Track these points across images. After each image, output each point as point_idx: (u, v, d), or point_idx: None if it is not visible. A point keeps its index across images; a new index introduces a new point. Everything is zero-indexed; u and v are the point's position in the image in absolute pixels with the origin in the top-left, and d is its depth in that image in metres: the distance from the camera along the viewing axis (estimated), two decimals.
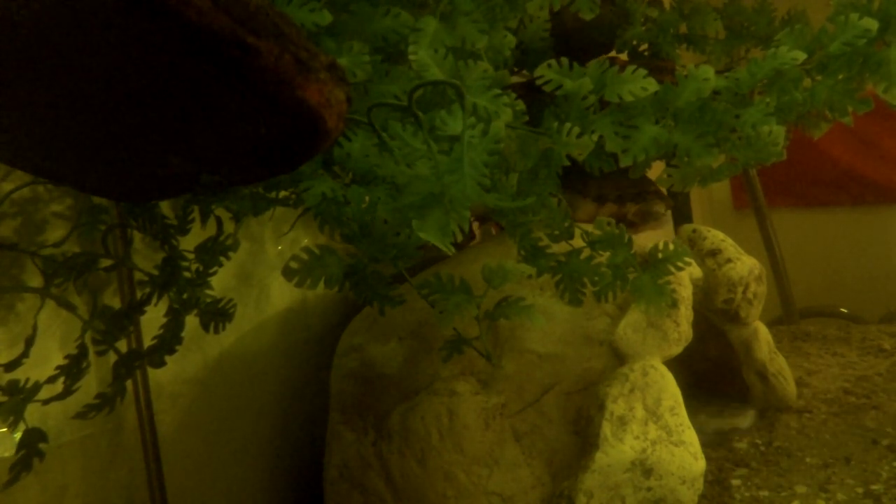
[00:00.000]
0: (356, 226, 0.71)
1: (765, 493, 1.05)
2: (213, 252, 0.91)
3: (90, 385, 0.91)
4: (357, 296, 0.80)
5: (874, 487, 1.03)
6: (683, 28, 1.20)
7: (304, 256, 0.73)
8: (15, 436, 0.81)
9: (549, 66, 0.78)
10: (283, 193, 0.90)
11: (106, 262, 0.91)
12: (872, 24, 0.81)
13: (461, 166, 0.55)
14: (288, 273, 0.72)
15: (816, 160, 2.07)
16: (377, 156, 0.64)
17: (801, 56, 0.79)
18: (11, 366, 0.80)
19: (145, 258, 0.98)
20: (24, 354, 0.80)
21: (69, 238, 0.88)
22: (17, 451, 0.78)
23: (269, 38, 0.40)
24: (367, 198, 0.65)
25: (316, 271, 0.72)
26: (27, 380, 0.79)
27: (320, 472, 1.10)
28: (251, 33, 0.39)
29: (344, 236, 0.73)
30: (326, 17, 0.61)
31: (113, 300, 0.97)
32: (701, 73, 0.78)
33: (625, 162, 0.78)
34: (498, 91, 0.67)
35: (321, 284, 0.73)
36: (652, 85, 0.76)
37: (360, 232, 0.72)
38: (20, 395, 0.78)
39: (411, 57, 0.67)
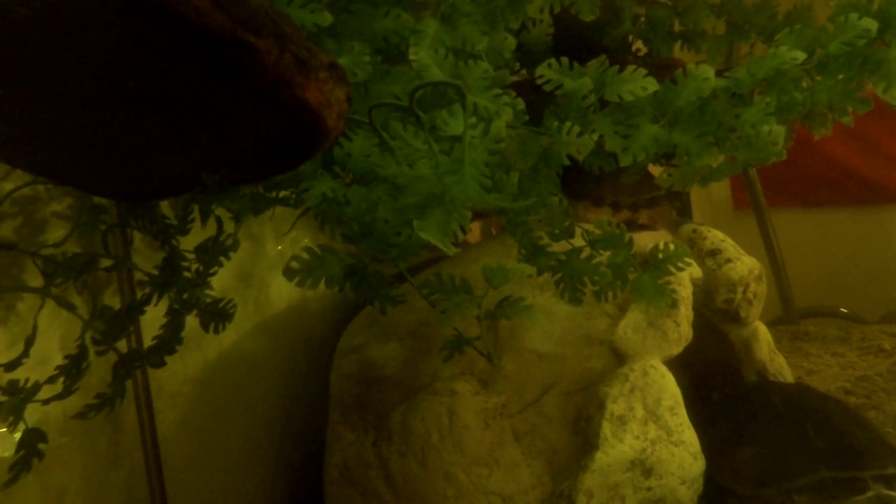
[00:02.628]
0: (356, 226, 0.71)
1: None
2: (213, 252, 0.92)
3: (91, 385, 0.91)
4: (358, 296, 0.80)
5: None
6: (678, 25, 1.19)
7: (305, 256, 0.73)
8: (14, 436, 0.81)
9: (549, 65, 0.78)
10: (283, 193, 0.90)
11: (106, 262, 0.91)
12: (872, 24, 0.81)
13: (462, 166, 0.55)
14: (289, 273, 0.72)
15: (816, 160, 2.07)
16: (378, 156, 0.64)
17: (801, 56, 0.79)
18: (11, 366, 0.80)
19: (145, 258, 0.98)
20: (24, 354, 0.80)
21: (69, 238, 0.88)
22: (17, 451, 0.78)
23: (269, 38, 0.40)
24: (368, 197, 0.65)
25: (316, 271, 0.72)
26: (27, 380, 0.79)
27: (320, 472, 1.10)
28: (251, 32, 0.39)
29: (344, 236, 0.73)
30: (327, 18, 0.61)
31: (113, 300, 0.97)
32: (701, 73, 0.78)
33: (625, 161, 0.77)
34: (498, 91, 0.67)
35: (322, 284, 0.73)
36: (652, 85, 0.75)
37: (361, 232, 0.72)
38: (20, 395, 0.78)
39: (412, 57, 0.67)
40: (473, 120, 0.59)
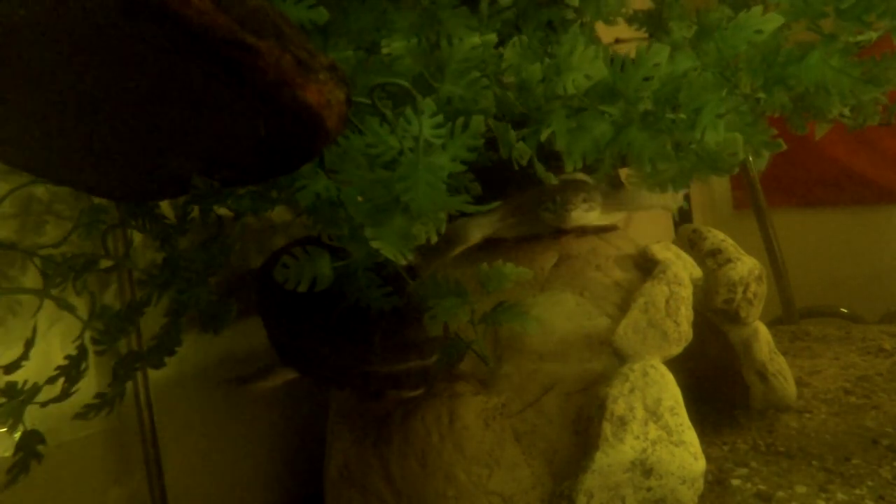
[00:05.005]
0: (347, 227, 0.70)
1: (765, 493, 1.05)
2: (213, 252, 0.91)
3: (91, 385, 0.91)
4: (349, 297, 0.79)
5: (874, 487, 1.03)
6: None
7: (296, 256, 0.72)
8: (14, 436, 0.80)
9: (514, 45, 0.67)
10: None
11: (106, 263, 0.91)
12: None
13: (416, 171, 0.52)
14: (279, 272, 0.71)
15: (816, 160, 2.07)
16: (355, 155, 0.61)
17: (779, 20, 0.65)
18: (11, 368, 0.80)
19: (145, 258, 0.98)
20: (24, 356, 0.80)
21: (69, 238, 0.87)
22: (15, 453, 0.77)
23: (270, 38, 0.40)
24: (359, 198, 0.63)
25: (306, 271, 0.71)
26: (25, 382, 0.79)
27: (320, 472, 1.10)
28: (251, 33, 0.39)
29: (336, 238, 0.72)
30: (324, 15, 0.60)
31: (113, 300, 0.97)
32: (653, 55, 0.64)
33: (569, 165, 0.67)
34: (477, 75, 0.63)
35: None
36: (599, 71, 0.64)
37: (350, 234, 0.70)
38: (19, 398, 0.78)
39: (384, 50, 0.64)
40: (440, 119, 0.56)
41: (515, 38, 0.67)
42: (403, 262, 0.53)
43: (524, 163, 0.66)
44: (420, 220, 0.52)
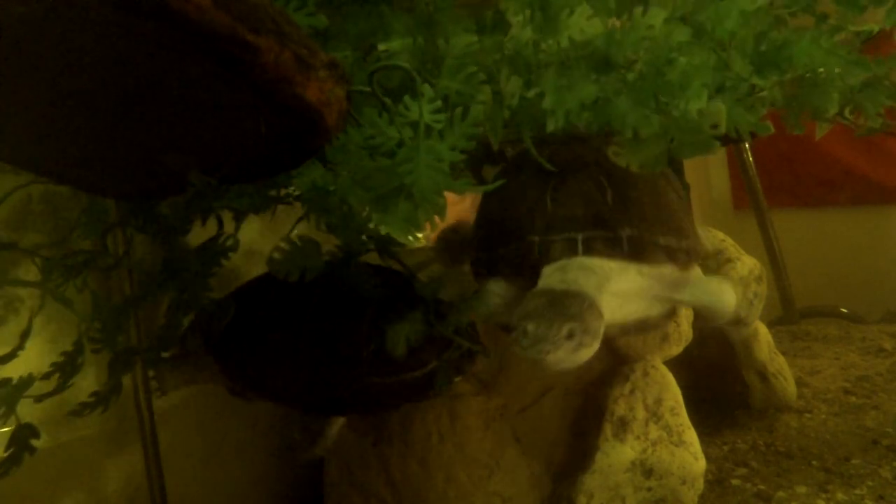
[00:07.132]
0: (339, 216, 0.69)
1: (765, 492, 1.05)
2: (212, 252, 0.91)
3: (91, 385, 0.90)
4: (343, 287, 0.79)
5: (874, 487, 1.03)
6: None
7: (287, 247, 0.72)
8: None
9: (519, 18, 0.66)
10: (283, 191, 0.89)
11: (106, 261, 0.91)
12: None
13: (417, 154, 0.53)
14: (271, 263, 0.71)
15: (816, 160, 2.07)
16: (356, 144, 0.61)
17: None
18: (6, 359, 0.79)
19: (145, 257, 0.98)
20: (20, 346, 0.80)
21: (69, 237, 0.87)
22: (7, 447, 0.77)
23: (269, 36, 0.40)
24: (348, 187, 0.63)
25: (297, 262, 0.71)
26: (20, 376, 0.78)
27: (320, 472, 1.10)
28: (251, 31, 0.39)
29: (328, 226, 0.72)
30: (323, 21, 0.60)
31: (112, 299, 0.97)
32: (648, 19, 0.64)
33: (552, 124, 0.65)
34: (473, 69, 0.63)
35: None
36: (594, 27, 0.62)
37: (342, 223, 0.70)
38: (11, 389, 0.77)
39: (381, 48, 0.65)
40: (439, 104, 0.56)
41: (521, 15, 0.65)
42: (413, 245, 0.54)
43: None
44: (422, 205, 0.52)
